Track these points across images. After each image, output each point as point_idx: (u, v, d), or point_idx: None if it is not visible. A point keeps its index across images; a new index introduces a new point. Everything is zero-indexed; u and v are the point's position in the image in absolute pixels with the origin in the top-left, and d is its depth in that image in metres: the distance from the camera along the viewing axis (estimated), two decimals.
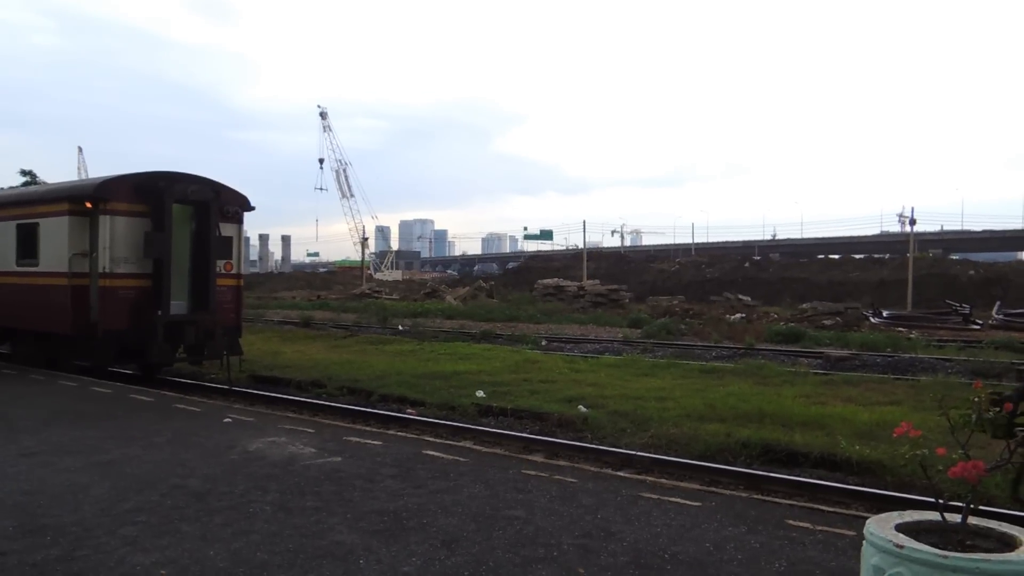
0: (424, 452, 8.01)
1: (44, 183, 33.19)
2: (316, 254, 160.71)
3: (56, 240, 14.12)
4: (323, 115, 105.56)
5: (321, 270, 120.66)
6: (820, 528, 5.63)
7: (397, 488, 6.58)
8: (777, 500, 6.69)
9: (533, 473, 7.17)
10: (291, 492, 6.42)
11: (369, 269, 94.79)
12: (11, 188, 24.19)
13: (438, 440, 9.14)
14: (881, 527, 3.14)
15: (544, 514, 5.89)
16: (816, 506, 6.58)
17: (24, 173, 51.33)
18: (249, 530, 5.46)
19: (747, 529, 5.62)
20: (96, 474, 6.99)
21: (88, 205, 13.75)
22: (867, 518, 3.41)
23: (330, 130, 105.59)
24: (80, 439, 8.50)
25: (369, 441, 8.56)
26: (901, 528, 3.15)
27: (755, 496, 6.75)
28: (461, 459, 7.72)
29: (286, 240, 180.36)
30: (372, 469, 7.23)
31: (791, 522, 5.78)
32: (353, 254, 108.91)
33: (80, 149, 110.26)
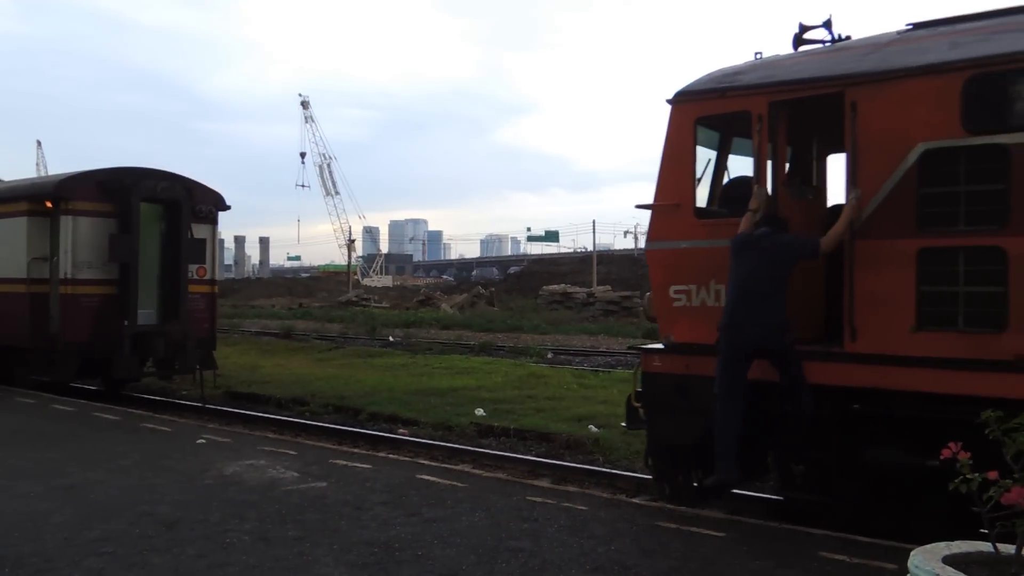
0: (418, 476, 8.01)
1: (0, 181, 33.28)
2: (298, 258, 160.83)
3: (13, 243, 14.14)
4: (305, 104, 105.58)
5: (303, 275, 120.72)
6: (857, 560, 5.61)
7: (388, 516, 6.58)
8: (809, 530, 6.66)
9: (539, 500, 7.17)
10: (271, 520, 6.42)
11: (356, 274, 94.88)
12: None
13: (433, 463, 9.14)
14: (928, 559, 3.14)
15: (552, 545, 5.88)
16: (853, 536, 6.55)
17: None
18: (225, 562, 5.46)
19: (776, 562, 5.60)
20: (58, 500, 6.98)
21: (48, 205, 13.79)
22: (911, 549, 3.40)
23: (313, 121, 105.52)
24: (40, 461, 8.49)
25: (357, 464, 8.56)
26: (949, 560, 3.15)
27: (785, 525, 6.72)
28: (459, 484, 7.71)
29: (265, 242, 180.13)
30: (360, 495, 7.23)
31: (825, 554, 5.76)
32: (338, 257, 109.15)
33: (39, 143, 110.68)
